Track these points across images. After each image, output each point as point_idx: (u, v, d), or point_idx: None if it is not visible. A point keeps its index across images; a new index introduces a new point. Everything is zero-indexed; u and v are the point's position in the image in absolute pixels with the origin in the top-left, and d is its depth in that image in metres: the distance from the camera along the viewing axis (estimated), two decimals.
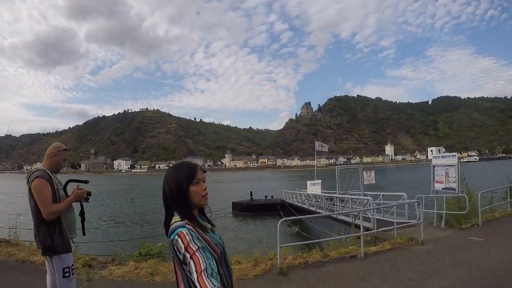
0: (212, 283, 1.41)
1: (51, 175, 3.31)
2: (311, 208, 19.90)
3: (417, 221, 8.77)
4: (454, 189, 9.68)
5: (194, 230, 1.58)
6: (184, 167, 1.76)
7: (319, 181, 19.52)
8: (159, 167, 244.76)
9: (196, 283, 1.43)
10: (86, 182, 3.63)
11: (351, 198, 13.59)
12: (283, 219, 7.56)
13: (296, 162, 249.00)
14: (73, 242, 3.45)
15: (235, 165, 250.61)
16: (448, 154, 10.58)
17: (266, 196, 30.76)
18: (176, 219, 1.64)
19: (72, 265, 3.34)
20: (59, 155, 3.48)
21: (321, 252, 6.98)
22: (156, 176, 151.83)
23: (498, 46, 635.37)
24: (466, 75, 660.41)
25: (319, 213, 17.06)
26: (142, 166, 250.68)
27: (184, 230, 1.55)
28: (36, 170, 3.29)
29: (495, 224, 9.39)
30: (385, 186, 42.47)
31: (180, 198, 1.68)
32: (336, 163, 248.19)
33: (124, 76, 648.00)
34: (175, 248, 1.55)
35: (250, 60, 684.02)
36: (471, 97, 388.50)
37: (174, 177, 1.71)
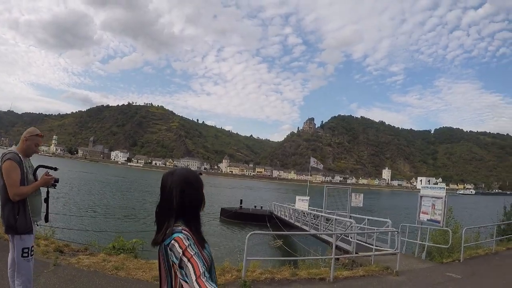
0: (212, 285, 1.43)
1: (22, 158, 3.41)
2: (296, 224, 19.87)
3: (395, 250, 8.62)
4: (439, 222, 9.60)
5: (190, 237, 1.58)
6: (198, 177, 1.76)
7: (307, 197, 19.53)
8: (155, 163, 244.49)
9: (195, 284, 1.42)
10: (55, 169, 3.69)
11: (336, 219, 13.49)
12: (252, 232, 7.33)
13: (292, 175, 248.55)
14: (37, 225, 3.60)
15: (231, 171, 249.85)
16: (436, 186, 10.37)
17: (255, 206, 30.88)
18: (176, 224, 1.62)
19: (32, 246, 3.47)
20: (30, 140, 3.53)
21: (291, 270, 6.87)
22: (149, 172, 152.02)
23: (506, 84, 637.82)
24: (470, 108, 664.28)
25: (304, 229, 17.04)
26: (139, 161, 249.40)
27: (181, 235, 1.55)
28: (9, 153, 3.40)
29: (477, 262, 9.23)
30: (374, 210, 42.43)
31: (199, 203, 1.71)
32: (332, 181, 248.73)
33: (133, 69, 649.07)
34: (171, 251, 1.53)
35: (260, 70, 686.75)
36: (473, 130, 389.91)
37: (195, 186, 1.71)
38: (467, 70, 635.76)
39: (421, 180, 10.57)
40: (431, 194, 9.99)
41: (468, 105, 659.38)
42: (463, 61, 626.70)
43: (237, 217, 27.47)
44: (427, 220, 10.13)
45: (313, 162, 29.63)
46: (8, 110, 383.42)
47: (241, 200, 31.19)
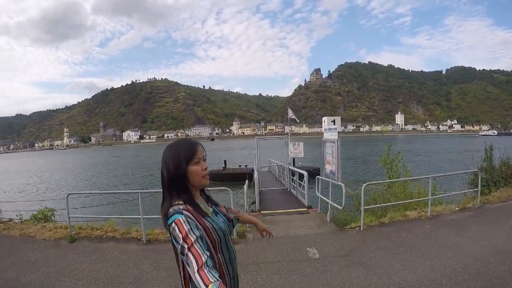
0: (214, 277, 1.35)
1: None
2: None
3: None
4: (334, 173, 7.98)
5: (192, 217, 1.51)
6: (183, 146, 1.65)
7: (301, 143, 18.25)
8: (167, 136, 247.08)
9: (197, 276, 1.35)
10: None
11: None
12: None
13: (304, 129, 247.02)
14: None
15: (243, 133, 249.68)
16: (333, 126, 8.31)
17: (240, 166, 30.78)
18: (175, 201, 1.57)
19: None
20: None
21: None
22: (162, 146, 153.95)
23: None
24: (483, 46, 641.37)
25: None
26: (151, 136, 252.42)
27: (181, 218, 1.48)
28: None
29: (379, 233, 6.77)
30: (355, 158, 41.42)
31: (179, 179, 1.60)
32: (345, 130, 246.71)
33: (133, 47, 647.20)
34: (172, 235, 1.48)
35: (263, 26, 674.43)
36: (486, 69, 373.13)
37: (172, 156, 1.61)
38: (476, 6, 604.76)
39: (324, 121, 8.90)
40: (330, 138, 8.28)
41: (480, 43, 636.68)
42: None
43: (219, 178, 27.32)
44: (329, 171, 8.45)
45: (290, 113, 28.98)
46: (16, 114, 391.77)
47: (225, 161, 31.35)
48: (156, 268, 5.33)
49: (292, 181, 13.87)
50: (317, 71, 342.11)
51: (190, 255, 1.39)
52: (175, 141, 1.68)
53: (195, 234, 1.44)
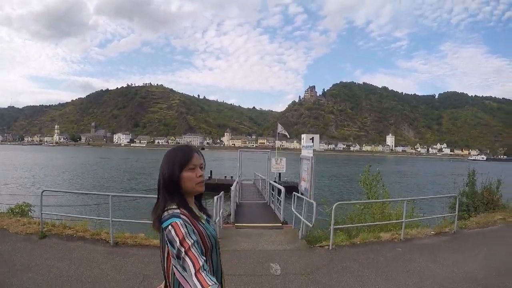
0: (212, 280, 1.35)
1: None
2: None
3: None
4: (308, 191, 8.09)
5: (189, 221, 1.51)
6: (179, 152, 1.66)
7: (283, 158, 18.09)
8: (158, 142, 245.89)
9: (194, 280, 1.34)
10: None
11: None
12: None
13: (295, 145, 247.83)
14: None
15: (234, 144, 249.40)
16: (310, 144, 8.54)
17: (225, 176, 30.70)
18: (170, 206, 1.56)
19: None
20: None
21: None
22: (152, 151, 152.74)
23: None
24: (477, 73, 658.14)
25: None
26: (142, 141, 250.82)
27: (179, 221, 1.47)
28: None
29: (343, 253, 6.66)
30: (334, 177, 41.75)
31: (173, 185, 1.60)
32: (336, 149, 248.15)
33: (132, 50, 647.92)
34: (167, 238, 1.45)
35: (262, 41, 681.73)
36: (478, 95, 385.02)
37: (167, 162, 1.63)
38: (472, 34, 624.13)
39: (303, 138, 8.82)
40: (306, 156, 8.44)
41: (474, 70, 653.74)
42: (468, 25, 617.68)
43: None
44: (304, 188, 8.55)
45: (280, 128, 29.03)
46: (8, 106, 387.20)
47: (211, 171, 31.36)
48: (117, 270, 5.32)
49: (272, 196, 13.81)
50: (312, 88, 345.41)
51: (187, 259, 1.38)
52: (174, 147, 1.69)
53: (192, 238, 1.44)
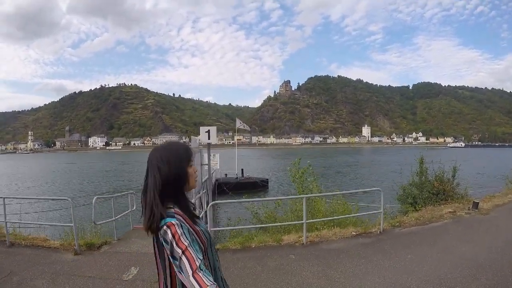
0: (210, 280, 1.33)
1: None
2: None
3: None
4: None
5: (184, 221, 1.48)
6: (181, 147, 1.63)
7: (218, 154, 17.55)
8: (134, 143, 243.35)
9: (192, 280, 1.32)
10: None
11: None
12: None
13: (271, 140, 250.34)
14: None
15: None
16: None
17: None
18: (167, 204, 1.51)
19: None
20: None
21: None
22: (128, 153, 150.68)
23: (484, 40, 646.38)
24: (449, 64, 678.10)
25: None
26: (118, 143, 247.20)
27: (174, 221, 1.43)
28: None
29: (226, 260, 5.66)
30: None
31: (179, 181, 1.55)
32: (312, 142, 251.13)
33: (106, 50, 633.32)
34: (162, 238, 1.43)
35: (238, 37, 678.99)
36: (452, 85, 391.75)
37: (173, 157, 1.55)
38: (445, 27, 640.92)
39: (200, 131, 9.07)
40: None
41: (447, 61, 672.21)
42: (441, 19, 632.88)
43: None
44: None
45: (239, 123, 29.98)
46: None
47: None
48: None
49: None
50: (287, 83, 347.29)
51: (184, 259, 1.35)
52: (168, 143, 1.64)
53: (188, 239, 1.41)
